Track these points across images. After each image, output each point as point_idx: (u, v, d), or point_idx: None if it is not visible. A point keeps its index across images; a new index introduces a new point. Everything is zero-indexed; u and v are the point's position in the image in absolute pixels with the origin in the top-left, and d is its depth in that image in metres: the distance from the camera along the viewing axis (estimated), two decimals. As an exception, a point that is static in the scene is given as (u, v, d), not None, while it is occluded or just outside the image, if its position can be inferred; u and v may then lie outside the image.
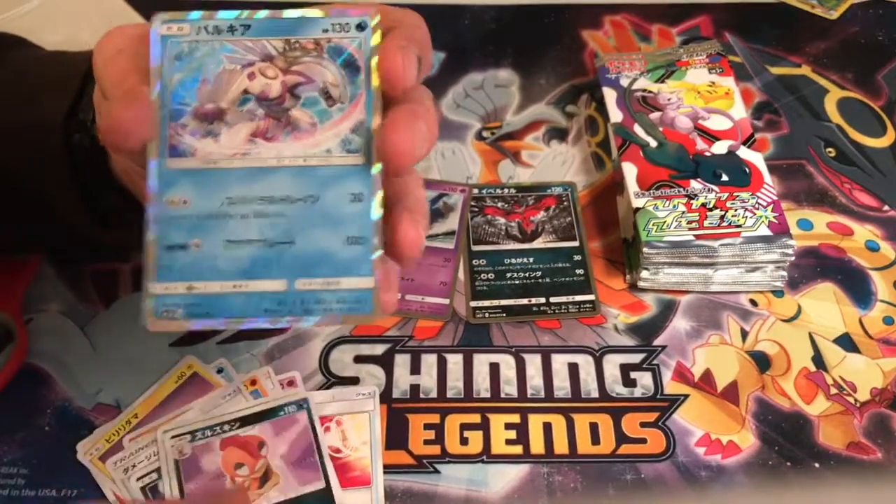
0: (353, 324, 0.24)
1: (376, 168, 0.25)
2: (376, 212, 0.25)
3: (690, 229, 0.50)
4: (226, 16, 0.27)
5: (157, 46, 0.26)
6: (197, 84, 0.26)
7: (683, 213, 0.50)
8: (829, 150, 0.60)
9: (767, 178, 0.52)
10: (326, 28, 0.26)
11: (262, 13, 0.27)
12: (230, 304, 0.25)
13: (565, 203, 0.56)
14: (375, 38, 0.27)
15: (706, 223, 0.50)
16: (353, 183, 0.25)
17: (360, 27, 0.27)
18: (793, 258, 0.50)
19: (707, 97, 0.57)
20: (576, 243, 0.54)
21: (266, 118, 0.26)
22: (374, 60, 0.26)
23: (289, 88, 0.26)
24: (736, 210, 0.50)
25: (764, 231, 0.49)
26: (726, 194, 0.51)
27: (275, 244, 0.25)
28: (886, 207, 0.57)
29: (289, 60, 0.26)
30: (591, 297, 0.52)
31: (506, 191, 0.57)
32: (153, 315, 0.25)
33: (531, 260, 0.53)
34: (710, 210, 0.50)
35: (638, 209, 0.51)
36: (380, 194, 0.25)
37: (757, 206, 0.51)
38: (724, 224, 0.50)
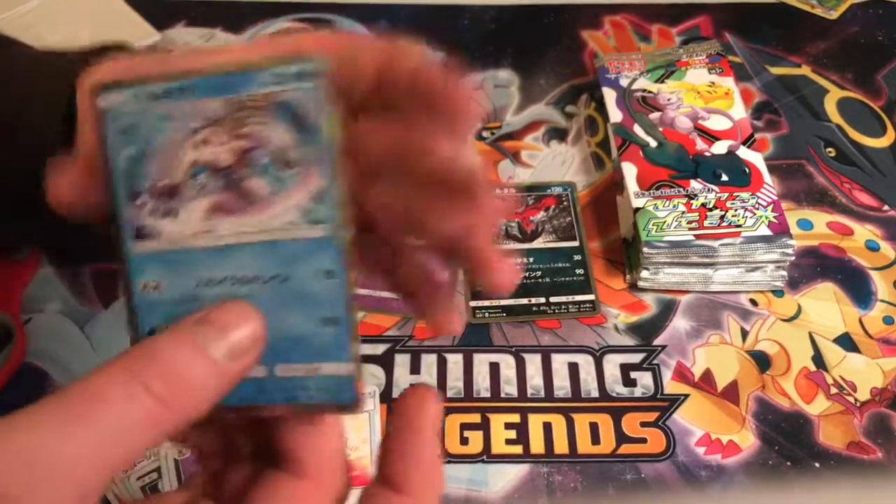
0: (335, 414, 0.23)
1: (344, 239, 0.22)
2: (349, 288, 0.22)
3: (690, 229, 0.50)
4: (160, 79, 0.24)
5: (101, 124, 0.24)
6: (146, 159, 0.24)
7: (683, 212, 0.50)
8: (829, 149, 0.60)
9: (767, 178, 0.52)
10: (268, 81, 0.23)
11: (199, 73, 0.24)
12: None
13: (565, 203, 0.56)
14: (327, 86, 0.22)
15: (706, 223, 0.50)
16: (321, 258, 0.23)
17: (308, 75, 0.22)
18: (793, 258, 0.50)
19: (707, 97, 0.57)
20: (576, 243, 0.54)
21: (222, 191, 0.23)
22: (329, 112, 0.22)
23: (239, 155, 0.23)
24: (736, 210, 0.50)
25: (764, 231, 0.49)
26: (726, 194, 0.51)
27: None
28: (886, 207, 0.57)
29: (235, 123, 0.23)
30: (590, 296, 0.52)
31: (506, 191, 0.57)
32: None
33: (531, 260, 0.53)
34: (710, 210, 0.50)
35: (638, 209, 0.51)
36: (351, 269, 0.23)
37: (757, 206, 0.51)
38: (724, 224, 0.50)
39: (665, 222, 0.50)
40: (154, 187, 0.24)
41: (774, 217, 0.50)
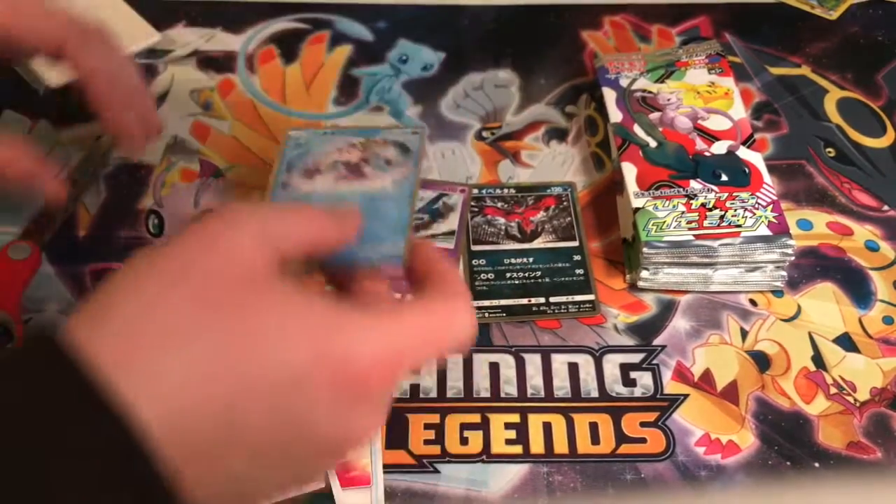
0: (391, 267, 0.35)
1: (412, 195, 0.38)
2: (411, 215, 0.37)
3: (690, 229, 0.50)
4: (328, 129, 0.43)
5: (283, 141, 0.42)
6: (306, 156, 0.41)
7: (683, 213, 0.50)
8: (829, 150, 0.60)
9: (767, 178, 0.52)
10: (393, 133, 0.42)
11: (350, 127, 0.45)
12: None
13: (565, 203, 0.56)
14: (423, 137, 0.42)
15: (706, 223, 0.50)
16: (397, 200, 0.38)
17: (414, 133, 0.42)
18: (792, 258, 0.50)
19: (706, 97, 0.58)
20: (575, 243, 0.54)
21: (346, 172, 0.40)
22: (421, 147, 0.41)
23: (362, 159, 0.41)
24: (735, 210, 0.50)
25: (763, 231, 0.49)
26: (726, 194, 0.51)
27: None
28: (886, 207, 0.57)
29: (365, 147, 0.41)
30: (590, 297, 0.52)
31: (506, 191, 0.57)
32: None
33: (531, 260, 0.53)
34: (710, 210, 0.50)
35: (638, 209, 0.51)
36: (414, 207, 0.38)
37: (756, 206, 0.51)
38: (724, 224, 0.50)
39: (665, 222, 0.50)
40: (305, 167, 0.40)
41: (774, 217, 0.50)
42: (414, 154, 0.41)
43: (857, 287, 0.52)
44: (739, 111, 0.57)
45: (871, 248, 0.54)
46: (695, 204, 0.51)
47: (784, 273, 0.51)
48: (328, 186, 0.39)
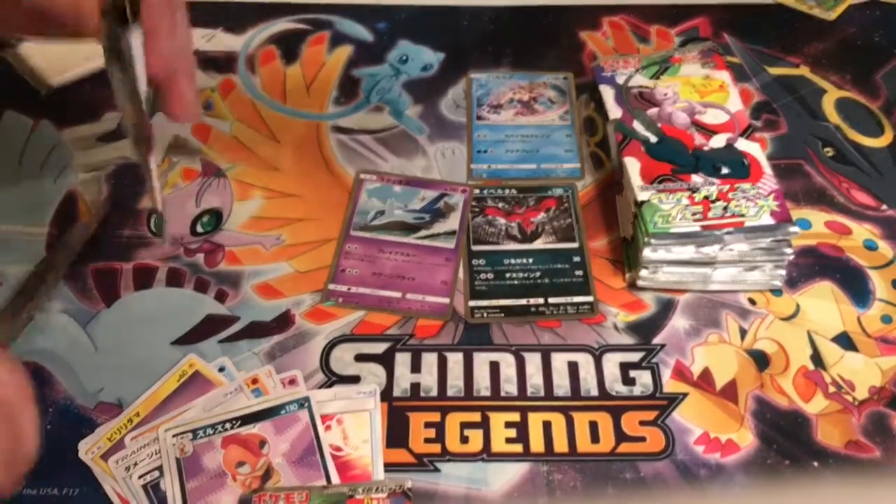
0: None
1: (576, 124, 0.55)
2: (578, 137, 0.53)
3: (695, 220, 0.50)
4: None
5: (469, 85, 0.61)
6: (486, 95, 0.59)
7: (687, 205, 0.50)
8: (828, 149, 0.61)
9: (767, 167, 0.52)
10: (548, 79, 0.57)
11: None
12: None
13: (566, 204, 0.57)
14: (572, 83, 0.60)
15: (710, 214, 0.50)
16: (563, 129, 0.56)
17: (564, 78, 0.58)
18: (791, 257, 0.50)
19: (702, 91, 0.58)
20: (575, 244, 0.54)
21: (521, 107, 0.57)
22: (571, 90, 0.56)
23: (532, 96, 0.56)
24: (738, 201, 0.50)
25: (767, 220, 0.49)
26: (727, 186, 0.51)
27: (528, 151, 0.57)
28: (884, 207, 0.57)
29: (531, 88, 0.58)
30: (589, 298, 0.52)
31: (507, 191, 0.57)
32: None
33: (530, 261, 0.53)
34: (713, 202, 0.50)
35: (644, 202, 0.51)
36: (582, 132, 0.54)
37: (758, 195, 0.51)
38: (728, 214, 0.50)
39: (670, 215, 0.50)
40: (490, 102, 0.56)
41: (776, 206, 0.50)
42: (566, 94, 0.58)
43: (855, 286, 0.53)
44: (736, 103, 0.57)
45: (870, 247, 0.55)
46: (698, 197, 0.51)
47: (783, 272, 0.51)
48: (507, 121, 0.57)
